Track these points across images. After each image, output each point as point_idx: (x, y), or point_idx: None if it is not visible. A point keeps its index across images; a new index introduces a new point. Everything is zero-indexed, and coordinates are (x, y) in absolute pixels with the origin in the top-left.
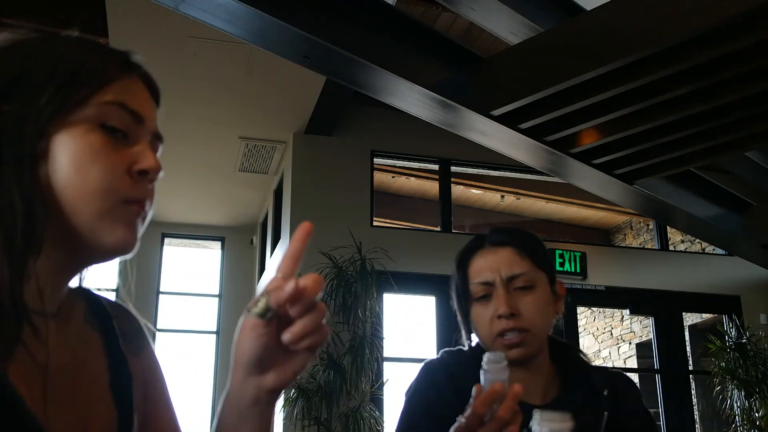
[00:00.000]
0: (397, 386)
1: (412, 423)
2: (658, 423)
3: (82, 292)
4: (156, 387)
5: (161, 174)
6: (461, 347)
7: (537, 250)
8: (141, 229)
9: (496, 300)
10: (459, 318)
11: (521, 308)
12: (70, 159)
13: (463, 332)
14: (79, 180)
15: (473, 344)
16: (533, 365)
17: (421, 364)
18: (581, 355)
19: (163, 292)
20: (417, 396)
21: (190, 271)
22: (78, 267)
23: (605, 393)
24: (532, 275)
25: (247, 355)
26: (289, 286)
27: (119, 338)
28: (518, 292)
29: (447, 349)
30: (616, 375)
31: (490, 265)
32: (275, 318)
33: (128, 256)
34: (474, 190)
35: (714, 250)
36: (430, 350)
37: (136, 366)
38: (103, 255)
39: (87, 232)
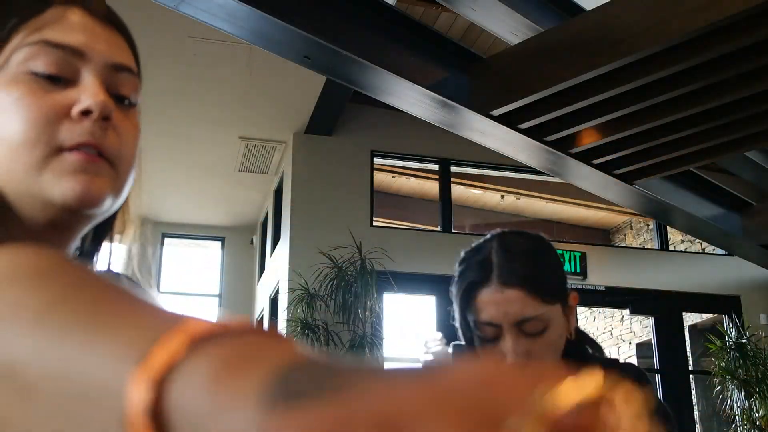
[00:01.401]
0: None
1: None
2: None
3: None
4: None
5: (110, 110)
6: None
7: (550, 284)
8: (117, 176)
9: (504, 345)
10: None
11: (532, 354)
12: None
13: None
14: (6, 138)
15: None
16: None
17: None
18: (590, 349)
19: (163, 292)
20: None
21: (190, 271)
22: (61, 235)
23: None
24: (544, 316)
25: None
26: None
27: None
28: (529, 337)
29: (456, 342)
30: (626, 369)
31: (498, 307)
32: None
33: (101, 210)
34: (474, 190)
35: (714, 250)
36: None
37: None
38: (67, 214)
39: (32, 193)
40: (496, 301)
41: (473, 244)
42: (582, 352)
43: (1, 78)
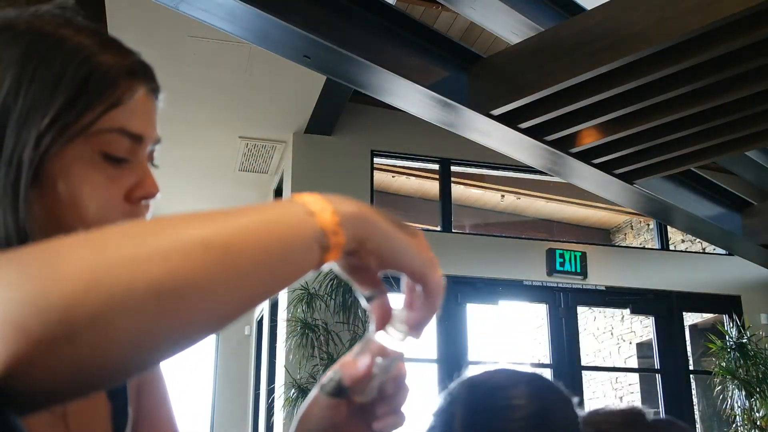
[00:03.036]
0: None
1: None
2: None
3: None
4: (152, 383)
5: (159, 195)
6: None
7: None
8: None
9: None
10: None
11: None
12: (68, 191)
13: None
14: (77, 214)
15: None
16: None
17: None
18: None
19: None
20: None
21: None
22: None
23: None
24: None
25: (313, 429)
26: (362, 362)
27: None
28: None
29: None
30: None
31: None
32: (346, 397)
33: None
34: (474, 190)
35: (714, 249)
36: (430, 350)
37: None
38: None
39: None
40: None
41: (438, 404)
42: None
43: (77, 154)
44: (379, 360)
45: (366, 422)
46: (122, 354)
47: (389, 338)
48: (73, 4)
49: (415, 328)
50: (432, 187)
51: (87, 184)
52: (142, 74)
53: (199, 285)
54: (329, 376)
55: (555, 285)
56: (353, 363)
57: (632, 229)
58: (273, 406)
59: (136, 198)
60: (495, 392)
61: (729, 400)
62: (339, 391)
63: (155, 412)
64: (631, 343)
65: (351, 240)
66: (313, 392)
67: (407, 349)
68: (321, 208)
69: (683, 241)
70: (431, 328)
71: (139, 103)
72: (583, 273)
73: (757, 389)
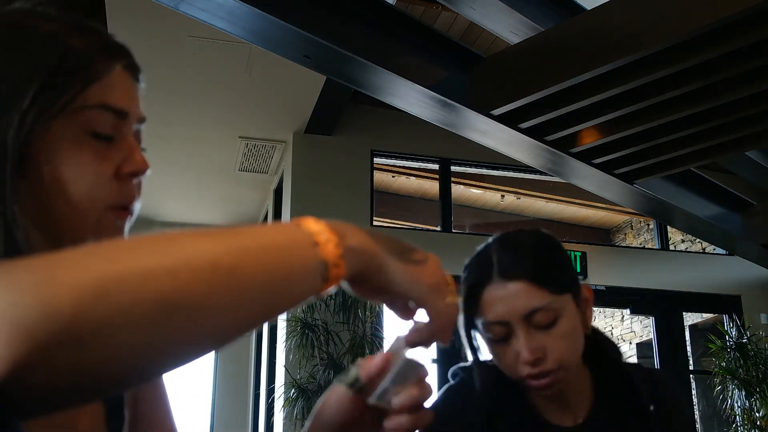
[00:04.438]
0: None
1: None
2: None
3: None
4: (149, 385)
5: (149, 171)
6: (482, 361)
7: (556, 273)
8: (128, 229)
9: (516, 342)
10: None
11: (547, 348)
12: (54, 172)
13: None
14: (63, 196)
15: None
16: (557, 392)
17: (443, 391)
18: (619, 357)
19: None
20: (445, 423)
21: None
22: None
23: (651, 408)
24: (553, 306)
25: (329, 420)
26: (378, 358)
27: None
28: (541, 331)
29: (461, 365)
30: (659, 380)
31: (504, 303)
32: (363, 391)
33: None
34: (474, 190)
35: (714, 249)
36: (430, 350)
37: None
38: None
39: (75, 244)
40: (501, 297)
41: (476, 249)
42: (614, 361)
43: (64, 133)
44: (399, 364)
45: (380, 426)
46: (123, 363)
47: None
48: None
49: (423, 344)
50: (432, 187)
51: (74, 164)
52: (116, 51)
53: (204, 303)
54: (351, 369)
55: None
56: (371, 359)
57: (632, 229)
58: (273, 407)
59: (125, 174)
60: (522, 230)
61: (729, 400)
62: (353, 383)
63: (153, 413)
64: (631, 343)
65: (350, 271)
66: (332, 385)
67: (426, 360)
68: (326, 239)
69: (683, 241)
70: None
71: (117, 79)
72: (583, 273)
73: (757, 389)
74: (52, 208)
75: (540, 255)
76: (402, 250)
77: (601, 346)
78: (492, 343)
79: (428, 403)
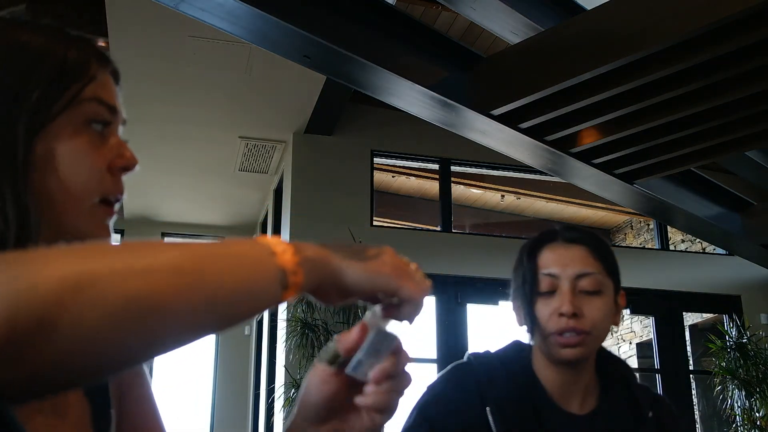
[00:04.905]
0: None
1: (437, 423)
2: None
3: None
4: (135, 386)
5: (138, 167)
6: (488, 350)
7: (608, 255)
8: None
9: (560, 297)
10: (520, 310)
11: (585, 310)
12: (60, 162)
13: (526, 326)
14: (67, 183)
15: (516, 342)
16: (578, 369)
17: (448, 368)
18: (627, 370)
19: None
20: (443, 403)
21: None
22: None
23: (650, 415)
24: (600, 279)
25: (314, 403)
26: (355, 331)
27: None
28: (584, 295)
29: (474, 353)
30: (659, 399)
31: (560, 260)
32: (341, 366)
33: None
34: (474, 190)
35: (714, 249)
36: (430, 350)
37: None
38: None
39: (74, 234)
40: (560, 254)
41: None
42: (620, 372)
43: (66, 126)
44: (372, 335)
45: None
46: (95, 354)
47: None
48: (24, 10)
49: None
50: (432, 187)
51: (73, 153)
52: (105, 58)
53: (169, 304)
54: (328, 345)
55: None
56: (348, 333)
57: (632, 229)
58: (273, 406)
59: (117, 168)
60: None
61: (729, 400)
62: (333, 358)
63: (140, 414)
64: (631, 343)
65: (309, 280)
66: (315, 363)
67: (405, 334)
68: (282, 250)
69: (683, 241)
70: (431, 329)
71: (106, 80)
72: None
73: (757, 389)
74: (51, 196)
75: (599, 238)
76: (355, 252)
77: (610, 361)
78: (538, 295)
79: (428, 382)
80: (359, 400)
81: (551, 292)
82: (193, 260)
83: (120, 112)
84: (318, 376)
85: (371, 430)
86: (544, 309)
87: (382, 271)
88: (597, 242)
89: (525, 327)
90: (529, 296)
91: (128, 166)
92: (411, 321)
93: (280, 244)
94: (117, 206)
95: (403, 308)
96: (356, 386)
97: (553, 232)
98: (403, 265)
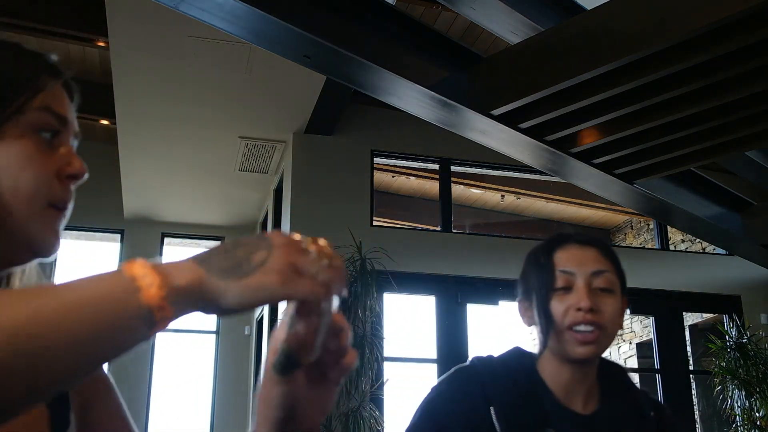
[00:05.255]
0: (397, 386)
1: (442, 421)
2: None
3: None
4: (102, 397)
5: (86, 176)
6: (491, 355)
7: (617, 258)
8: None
9: (577, 293)
10: (531, 310)
11: (600, 306)
12: (6, 166)
13: (539, 323)
14: (14, 185)
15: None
16: (587, 368)
17: (452, 370)
18: (626, 375)
19: None
20: (448, 402)
21: None
22: (8, 267)
23: (651, 414)
24: (612, 278)
25: (276, 417)
26: (303, 327)
27: None
28: (598, 292)
29: (477, 356)
30: (659, 403)
31: (576, 258)
32: (300, 363)
33: (49, 259)
34: (474, 190)
35: (714, 249)
36: (430, 350)
37: None
38: (29, 257)
39: (19, 236)
40: (575, 254)
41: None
42: (620, 376)
43: (13, 132)
44: (315, 319)
45: (323, 382)
46: None
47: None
48: None
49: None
50: (432, 187)
51: (22, 156)
52: (57, 70)
53: (12, 365)
54: (276, 355)
55: None
56: (296, 334)
57: (632, 229)
58: None
59: (66, 175)
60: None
61: (729, 400)
62: (291, 363)
63: (109, 424)
64: (631, 343)
65: (179, 312)
66: (261, 378)
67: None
68: (149, 283)
69: (683, 241)
70: (431, 329)
71: (57, 92)
72: None
73: (757, 389)
74: (3, 200)
75: (608, 243)
76: (238, 263)
77: (609, 365)
78: (554, 291)
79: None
80: (332, 373)
81: (567, 288)
82: (36, 319)
83: (71, 123)
84: (275, 386)
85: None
86: (559, 305)
87: (266, 284)
88: (607, 246)
89: (537, 326)
90: (545, 293)
91: (76, 175)
92: (322, 318)
93: (147, 275)
94: (67, 213)
95: (303, 310)
96: (311, 376)
97: (566, 235)
98: (292, 265)
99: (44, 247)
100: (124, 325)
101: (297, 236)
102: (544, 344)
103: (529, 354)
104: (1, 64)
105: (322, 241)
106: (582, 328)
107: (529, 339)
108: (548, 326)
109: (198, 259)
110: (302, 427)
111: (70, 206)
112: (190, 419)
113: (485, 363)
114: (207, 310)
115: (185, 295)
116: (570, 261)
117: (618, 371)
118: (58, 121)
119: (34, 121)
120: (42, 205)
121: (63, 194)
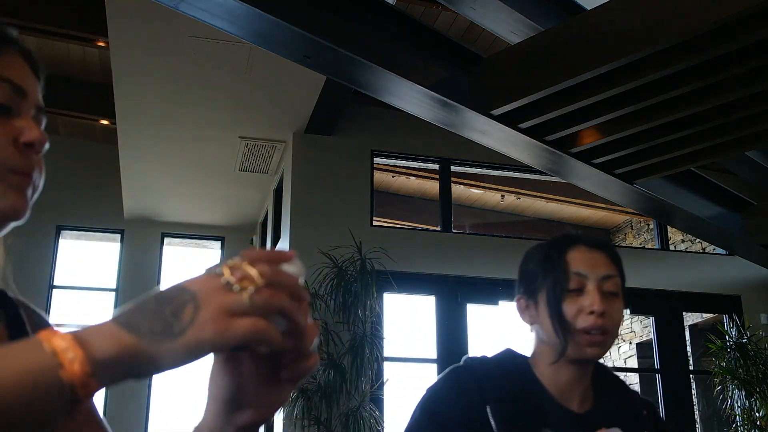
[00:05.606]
0: (397, 386)
1: (440, 419)
2: None
3: None
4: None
5: (47, 145)
6: (484, 355)
7: (622, 263)
8: (32, 199)
9: (589, 296)
10: (531, 309)
11: (609, 309)
12: None
13: (551, 324)
14: None
15: (512, 350)
16: (587, 369)
17: (447, 370)
18: (617, 377)
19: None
20: (446, 399)
21: (191, 271)
22: None
23: (644, 413)
24: (619, 282)
25: (222, 393)
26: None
27: (27, 327)
28: (607, 296)
29: (471, 356)
30: (650, 402)
31: (587, 261)
32: (248, 349)
33: (19, 222)
34: (474, 190)
35: (714, 249)
36: (430, 350)
37: None
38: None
39: None
40: (586, 257)
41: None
42: (612, 377)
43: None
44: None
45: (274, 378)
46: None
47: None
48: None
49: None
50: (432, 187)
51: None
52: (10, 38)
53: None
54: None
55: None
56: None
57: (632, 229)
58: None
59: (21, 143)
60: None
61: (729, 400)
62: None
63: (86, 427)
64: (631, 343)
65: (107, 383)
66: (212, 356)
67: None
68: (71, 359)
69: (683, 241)
70: (431, 329)
71: (14, 61)
72: None
73: (757, 389)
74: None
75: (613, 245)
76: (168, 324)
77: (602, 368)
78: (566, 293)
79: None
80: (285, 374)
81: (578, 290)
82: None
83: (31, 94)
84: (222, 369)
85: (287, 397)
86: (569, 307)
87: (204, 339)
88: (614, 249)
89: (542, 325)
90: (559, 293)
91: (33, 142)
92: (270, 344)
93: (68, 349)
94: (37, 181)
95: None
96: (261, 368)
97: (576, 236)
98: (223, 310)
99: (10, 207)
100: (42, 403)
101: (218, 272)
102: (564, 346)
103: (522, 355)
104: None
105: (246, 259)
106: (593, 331)
107: (528, 338)
108: (563, 327)
109: (124, 324)
110: (247, 417)
111: (38, 174)
112: (190, 419)
113: (480, 362)
114: (139, 376)
115: (112, 367)
116: (582, 263)
117: (609, 372)
118: (14, 92)
119: None
120: (3, 171)
121: (23, 162)
